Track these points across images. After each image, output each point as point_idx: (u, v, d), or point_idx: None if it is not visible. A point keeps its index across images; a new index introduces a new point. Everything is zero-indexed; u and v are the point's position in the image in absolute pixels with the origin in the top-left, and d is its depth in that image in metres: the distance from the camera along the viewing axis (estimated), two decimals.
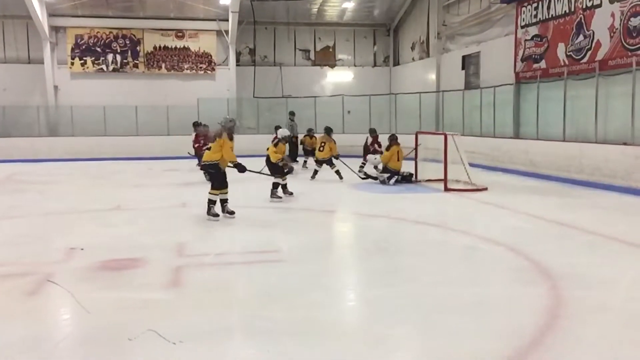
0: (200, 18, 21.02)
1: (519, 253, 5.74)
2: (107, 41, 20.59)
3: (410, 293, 4.57)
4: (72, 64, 20.37)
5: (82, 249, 5.94)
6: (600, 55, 11.25)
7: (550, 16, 12.89)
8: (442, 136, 10.98)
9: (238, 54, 21.68)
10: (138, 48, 20.81)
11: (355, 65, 23.03)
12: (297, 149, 15.87)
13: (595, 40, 11.39)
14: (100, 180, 13.10)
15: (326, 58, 22.82)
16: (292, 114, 17.59)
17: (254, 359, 3.37)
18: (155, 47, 20.90)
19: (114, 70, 20.68)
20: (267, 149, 9.81)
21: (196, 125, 14.09)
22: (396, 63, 22.83)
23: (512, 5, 14.43)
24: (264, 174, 9.48)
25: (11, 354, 3.38)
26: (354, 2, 21.04)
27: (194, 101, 19.68)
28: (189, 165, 14.88)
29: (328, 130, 12.70)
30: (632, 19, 10.40)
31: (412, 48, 21.09)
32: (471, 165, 11.12)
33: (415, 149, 11.93)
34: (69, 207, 9.17)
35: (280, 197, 9.54)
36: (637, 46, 10.29)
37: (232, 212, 7.83)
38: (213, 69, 21.32)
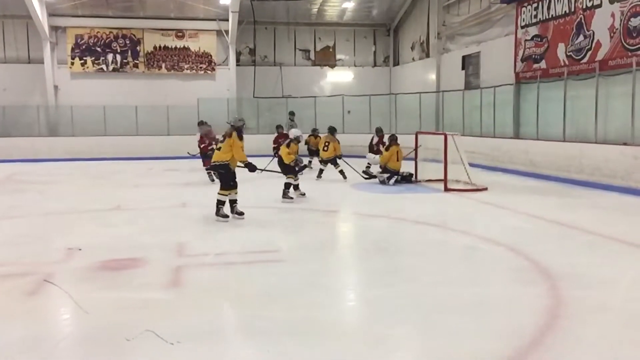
0: (200, 18, 21.01)
1: (519, 253, 5.74)
2: (107, 41, 20.59)
3: (410, 293, 4.57)
4: (72, 63, 20.37)
5: (79, 249, 5.94)
6: (600, 56, 11.25)
7: (550, 16, 12.89)
8: (442, 136, 10.98)
9: (238, 54, 21.68)
10: (138, 48, 20.81)
11: (355, 65, 23.03)
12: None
13: (595, 41, 11.39)
14: (100, 180, 13.09)
15: (326, 58, 22.81)
16: (292, 114, 17.58)
17: (254, 359, 3.37)
18: (155, 47, 20.89)
19: (114, 70, 20.68)
20: (273, 149, 9.77)
21: (201, 124, 14.02)
22: (396, 63, 22.83)
23: (512, 6, 14.43)
24: (274, 171, 9.49)
25: (11, 354, 3.38)
26: (354, 2, 21.03)
27: (194, 101, 19.67)
28: (189, 165, 14.88)
29: (332, 130, 12.75)
30: (632, 19, 10.40)
31: (412, 48, 21.09)
32: (471, 165, 11.13)
33: (415, 149, 11.93)
34: (69, 207, 9.17)
35: (292, 198, 9.43)
36: (637, 46, 10.29)
37: (241, 213, 7.72)
38: (213, 69, 21.31)
